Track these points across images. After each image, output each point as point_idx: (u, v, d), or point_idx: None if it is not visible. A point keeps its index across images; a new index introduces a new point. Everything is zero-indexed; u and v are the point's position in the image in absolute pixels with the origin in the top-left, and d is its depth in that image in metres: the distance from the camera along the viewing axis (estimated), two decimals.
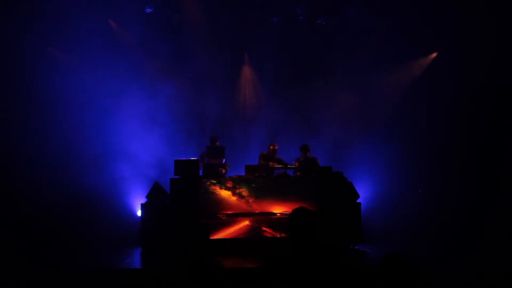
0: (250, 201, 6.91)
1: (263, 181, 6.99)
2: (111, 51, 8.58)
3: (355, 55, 9.28)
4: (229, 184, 6.93)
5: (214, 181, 6.90)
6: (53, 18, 7.90)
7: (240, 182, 6.94)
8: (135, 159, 8.56)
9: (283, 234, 6.75)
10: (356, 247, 6.86)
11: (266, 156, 7.81)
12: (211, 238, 6.68)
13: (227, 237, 6.75)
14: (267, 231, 6.83)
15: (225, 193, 6.90)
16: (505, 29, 7.82)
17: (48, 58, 8.33)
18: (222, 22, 9.29)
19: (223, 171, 7.41)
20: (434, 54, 9.22)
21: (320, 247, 2.50)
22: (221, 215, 6.81)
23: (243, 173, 7.27)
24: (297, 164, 7.64)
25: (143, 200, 7.05)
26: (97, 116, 8.48)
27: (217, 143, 8.00)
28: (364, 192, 8.24)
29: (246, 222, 6.83)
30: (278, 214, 6.88)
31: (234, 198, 6.90)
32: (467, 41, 8.27)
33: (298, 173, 7.51)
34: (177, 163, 6.94)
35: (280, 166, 7.45)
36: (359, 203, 7.12)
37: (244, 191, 6.92)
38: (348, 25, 9.29)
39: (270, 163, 7.60)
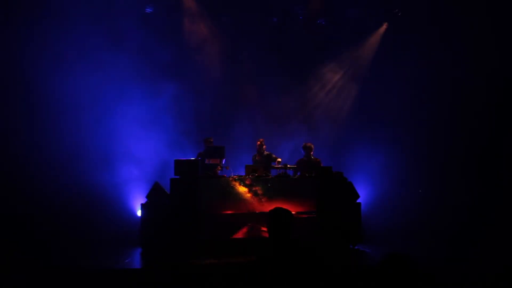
0: (262, 200, 7.00)
1: (278, 181, 7.13)
2: (111, 51, 8.57)
3: (355, 55, 9.27)
4: (247, 181, 7.05)
5: (235, 177, 7.06)
6: (53, 18, 7.90)
7: (257, 180, 7.05)
8: (136, 160, 8.55)
9: None
10: (356, 247, 6.85)
11: (256, 157, 7.84)
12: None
13: (235, 237, 6.83)
14: (265, 231, 6.84)
15: (242, 189, 7.03)
16: (505, 29, 7.82)
17: (48, 59, 8.31)
18: (221, 22, 9.29)
19: (219, 169, 7.43)
20: (433, 54, 9.20)
21: (297, 245, 2.53)
22: (230, 213, 6.93)
23: (243, 173, 7.27)
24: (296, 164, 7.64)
25: (143, 200, 7.05)
26: (97, 117, 8.47)
27: (211, 144, 7.97)
28: (364, 192, 8.25)
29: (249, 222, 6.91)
30: None
31: (249, 195, 7.01)
32: (467, 41, 8.27)
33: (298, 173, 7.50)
34: (177, 163, 6.94)
35: (280, 166, 7.45)
36: (359, 203, 7.12)
37: (259, 190, 7.03)
38: (348, 25, 9.28)
39: (272, 165, 7.59)
